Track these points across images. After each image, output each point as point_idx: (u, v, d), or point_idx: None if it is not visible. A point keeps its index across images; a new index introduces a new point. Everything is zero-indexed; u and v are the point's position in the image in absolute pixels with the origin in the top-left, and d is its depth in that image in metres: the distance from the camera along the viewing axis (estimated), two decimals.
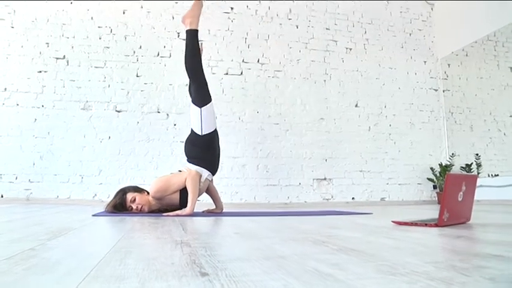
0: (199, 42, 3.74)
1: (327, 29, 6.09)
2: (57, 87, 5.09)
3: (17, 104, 4.96)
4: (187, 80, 5.20)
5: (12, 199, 4.72)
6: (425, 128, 6.21)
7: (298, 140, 5.63)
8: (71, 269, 0.91)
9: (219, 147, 3.57)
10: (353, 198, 5.68)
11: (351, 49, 6.13)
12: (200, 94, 3.44)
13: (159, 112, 5.25)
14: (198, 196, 3.32)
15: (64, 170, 4.94)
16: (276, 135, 5.57)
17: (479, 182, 2.50)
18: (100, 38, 5.30)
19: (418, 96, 6.27)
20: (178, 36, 5.48)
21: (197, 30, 3.54)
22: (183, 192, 3.22)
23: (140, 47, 5.37)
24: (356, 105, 5.96)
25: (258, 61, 5.71)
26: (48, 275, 0.84)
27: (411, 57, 6.37)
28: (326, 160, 5.69)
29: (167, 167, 5.01)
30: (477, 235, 1.67)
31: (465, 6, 5.89)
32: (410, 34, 6.45)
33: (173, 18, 5.52)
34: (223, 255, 1.13)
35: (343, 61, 6.05)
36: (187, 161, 3.41)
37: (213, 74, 5.50)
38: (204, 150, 3.41)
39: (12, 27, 5.11)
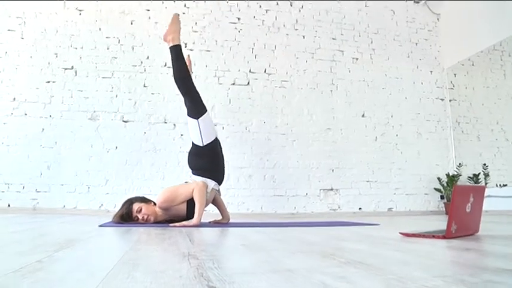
0: (187, 54, 3.76)
1: (333, 39, 6.10)
2: (65, 97, 5.12)
3: (25, 114, 4.99)
4: None
5: (18, 209, 4.73)
6: (432, 137, 6.19)
7: (304, 150, 5.63)
8: (78, 282, 0.91)
9: (222, 155, 3.56)
10: (360, 208, 5.66)
11: (357, 59, 6.13)
12: (194, 106, 3.44)
13: (166, 122, 5.26)
14: (205, 206, 3.32)
15: (71, 180, 4.96)
16: (282, 146, 5.57)
17: (487, 192, 2.48)
18: (108, 49, 5.34)
19: (424, 106, 6.26)
20: (186, 46, 5.50)
21: (180, 45, 3.54)
22: (190, 203, 3.22)
23: (147, 57, 5.40)
24: (363, 115, 5.96)
25: (265, 71, 5.72)
26: None
27: (417, 67, 6.37)
28: (333, 170, 5.67)
29: (174, 177, 5.01)
30: (486, 247, 1.66)
31: (471, 16, 5.88)
32: (416, 44, 6.45)
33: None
34: (230, 268, 1.13)
35: (349, 71, 6.05)
36: (193, 173, 3.41)
37: (220, 84, 5.53)
38: (208, 160, 3.41)
39: (22, 38, 5.17)
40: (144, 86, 5.30)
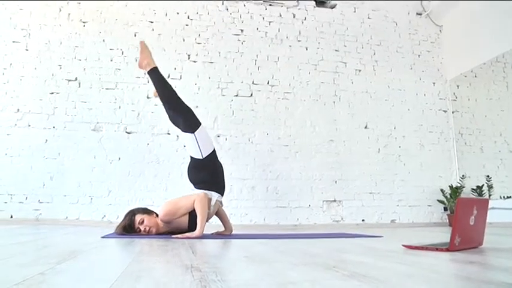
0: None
1: (336, 50, 6.12)
2: (69, 108, 5.14)
3: (29, 125, 5.01)
4: (197, 103, 5.30)
5: (21, 219, 4.73)
6: (435, 149, 6.18)
7: (307, 162, 5.62)
8: None
9: (221, 165, 3.56)
10: (363, 220, 5.64)
11: (360, 70, 6.15)
12: (189, 121, 3.44)
13: (169, 134, 5.27)
14: (209, 219, 3.31)
15: (74, 191, 4.96)
16: (285, 157, 5.57)
17: (490, 204, 2.47)
18: (111, 60, 5.37)
19: (427, 117, 6.25)
20: (189, 58, 5.53)
21: (157, 67, 3.56)
22: (192, 215, 3.21)
23: None
24: (365, 127, 5.95)
25: (268, 83, 5.74)
26: None
27: (420, 79, 6.37)
28: (336, 182, 5.66)
29: (177, 188, 5.00)
30: (490, 261, 1.65)
31: (473, 28, 5.89)
32: (419, 56, 6.47)
33: (184, 40, 5.59)
34: (233, 281, 1.13)
35: (352, 83, 6.06)
36: (195, 187, 3.41)
37: (223, 95, 5.54)
38: (209, 172, 3.41)
39: (27, 49, 5.20)
40: (148, 98, 5.31)
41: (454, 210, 2.65)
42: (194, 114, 3.48)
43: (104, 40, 5.41)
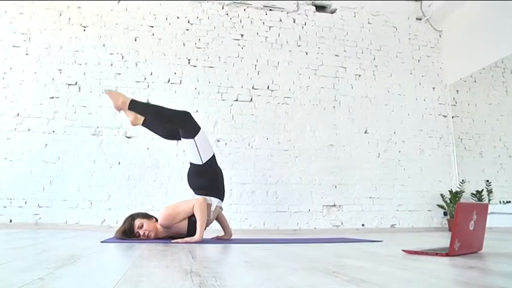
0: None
1: (336, 55, 6.13)
2: (69, 113, 5.15)
3: (29, 129, 5.01)
4: (197, 107, 5.30)
5: (21, 224, 4.72)
6: (434, 154, 6.18)
7: (307, 167, 5.62)
8: None
9: (221, 170, 3.56)
10: (363, 224, 5.63)
11: (360, 75, 6.15)
12: (188, 127, 3.42)
13: None
14: (209, 224, 3.31)
15: (73, 195, 4.95)
16: (285, 162, 5.57)
17: (490, 208, 2.47)
18: (111, 65, 5.37)
19: (427, 122, 6.26)
20: (189, 63, 5.54)
21: (133, 99, 3.57)
22: (191, 219, 3.20)
23: (151, 73, 5.43)
24: (365, 132, 5.96)
25: (268, 88, 5.74)
26: None
27: (420, 84, 6.38)
28: (336, 186, 5.66)
29: (177, 193, 4.99)
30: (489, 266, 1.65)
31: (473, 33, 5.91)
32: (418, 60, 6.48)
33: (184, 45, 5.60)
34: (233, 286, 1.12)
35: (352, 87, 6.07)
36: (195, 193, 3.40)
37: (223, 100, 5.55)
38: (209, 178, 3.40)
39: (27, 54, 5.21)
40: (147, 101, 5.31)
41: (453, 215, 2.65)
42: (192, 118, 3.46)
43: (104, 44, 5.42)
